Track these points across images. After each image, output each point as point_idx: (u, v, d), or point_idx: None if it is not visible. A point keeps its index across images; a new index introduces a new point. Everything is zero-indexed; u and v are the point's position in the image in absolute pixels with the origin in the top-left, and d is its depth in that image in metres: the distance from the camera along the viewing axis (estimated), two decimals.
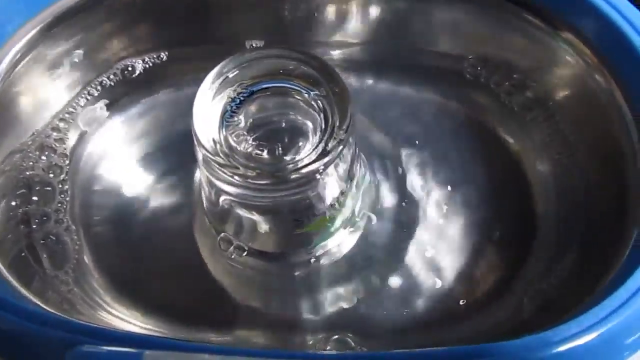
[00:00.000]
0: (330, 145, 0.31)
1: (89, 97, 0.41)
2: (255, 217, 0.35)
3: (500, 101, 0.41)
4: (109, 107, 0.41)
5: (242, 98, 0.33)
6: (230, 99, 0.33)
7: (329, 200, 0.34)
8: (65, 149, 0.40)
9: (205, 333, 0.36)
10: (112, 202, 0.39)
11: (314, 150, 0.32)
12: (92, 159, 0.40)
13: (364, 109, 0.41)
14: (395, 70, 0.43)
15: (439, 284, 0.36)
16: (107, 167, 0.40)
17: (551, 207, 0.38)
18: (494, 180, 0.39)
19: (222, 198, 0.34)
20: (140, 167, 0.40)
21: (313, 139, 0.33)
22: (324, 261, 0.37)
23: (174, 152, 0.40)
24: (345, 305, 0.36)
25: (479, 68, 0.42)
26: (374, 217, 0.38)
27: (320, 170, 0.32)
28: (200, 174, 0.37)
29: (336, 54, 0.43)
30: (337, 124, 0.32)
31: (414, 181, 0.39)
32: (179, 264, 0.38)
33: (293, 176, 0.31)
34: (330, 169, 0.32)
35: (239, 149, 0.32)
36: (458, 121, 0.41)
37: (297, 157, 0.32)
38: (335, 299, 0.36)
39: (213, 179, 0.33)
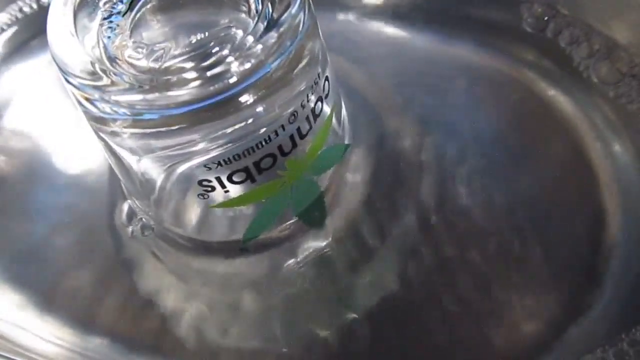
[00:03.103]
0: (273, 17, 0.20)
1: None
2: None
3: (573, 67, 0.28)
4: None
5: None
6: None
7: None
8: None
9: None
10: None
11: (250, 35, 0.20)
12: None
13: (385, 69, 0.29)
14: (431, 20, 0.31)
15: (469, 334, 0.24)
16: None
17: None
18: (552, 174, 0.27)
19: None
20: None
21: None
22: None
23: None
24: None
25: (545, 18, 0.29)
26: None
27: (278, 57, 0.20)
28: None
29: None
30: None
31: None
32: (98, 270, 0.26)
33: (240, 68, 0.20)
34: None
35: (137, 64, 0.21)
36: (510, 90, 0.29)
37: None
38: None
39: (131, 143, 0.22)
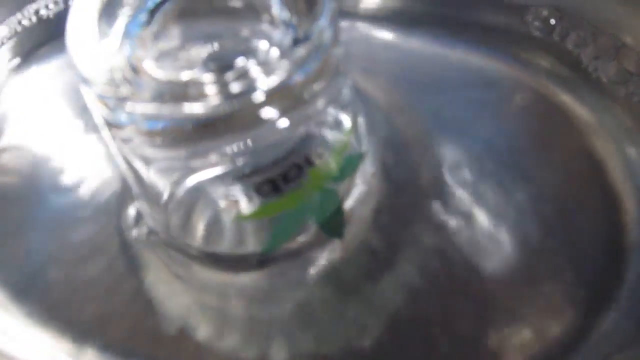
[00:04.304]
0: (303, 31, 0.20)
1: None
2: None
3: (582, 68, 0.28)
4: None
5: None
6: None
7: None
8: None
9: None
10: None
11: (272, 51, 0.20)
12: None
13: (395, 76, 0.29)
14: (439, 26, 0.31)
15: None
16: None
17: None
18: (566, 179, 0.27)
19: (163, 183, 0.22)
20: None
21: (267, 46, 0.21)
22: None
23: None
24: None
25: (551, 21, 0.29)
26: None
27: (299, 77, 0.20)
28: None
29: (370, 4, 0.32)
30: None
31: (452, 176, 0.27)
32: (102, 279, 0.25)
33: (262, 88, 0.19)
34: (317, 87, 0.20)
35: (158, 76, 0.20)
36: (520, 95, 0.29)
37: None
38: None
39: (140, 150, 0.21)
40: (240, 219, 0.23)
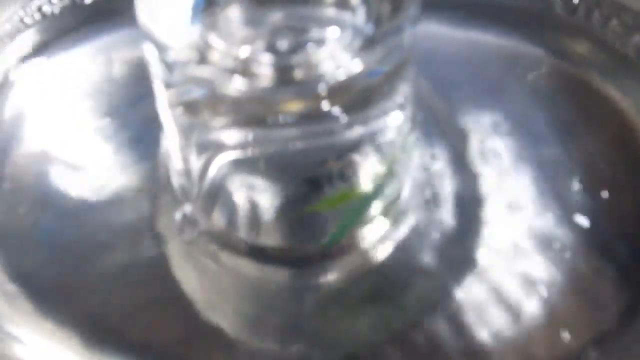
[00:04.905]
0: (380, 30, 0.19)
1: None
2: (250, 181, 0.22)
3: (608, 46, 0.28)
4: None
5: None
6: None
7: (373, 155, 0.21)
8: None
9: None
10: (35, 186, 0.26)
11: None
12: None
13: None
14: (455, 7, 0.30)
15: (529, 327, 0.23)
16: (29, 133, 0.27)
17: None
18: (597, 162, 0.27)
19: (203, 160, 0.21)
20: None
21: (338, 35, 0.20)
22: (337, 275, 0.23)
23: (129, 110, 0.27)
24: None
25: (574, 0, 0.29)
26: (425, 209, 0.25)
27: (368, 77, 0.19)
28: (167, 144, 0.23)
29: None
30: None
31: (481, 159, 0.26)
32: (136, 272, 0.24)
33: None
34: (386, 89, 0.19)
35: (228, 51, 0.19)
36: (544, 79, 0.29)
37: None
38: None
39: (193, 119, 0.20)
40: (307, 210, 0.22)
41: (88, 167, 0.26)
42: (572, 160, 0.26)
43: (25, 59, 0.28)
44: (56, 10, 0.29)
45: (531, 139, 0.27)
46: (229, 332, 0.22)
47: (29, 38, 0.29)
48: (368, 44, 0.19)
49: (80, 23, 0.29)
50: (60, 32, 0.29)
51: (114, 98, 0.27)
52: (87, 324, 0.23)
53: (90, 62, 0.29)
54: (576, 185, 0.25)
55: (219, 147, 0.21)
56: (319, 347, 0.22)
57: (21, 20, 0.28)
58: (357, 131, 0.20)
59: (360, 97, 0.19)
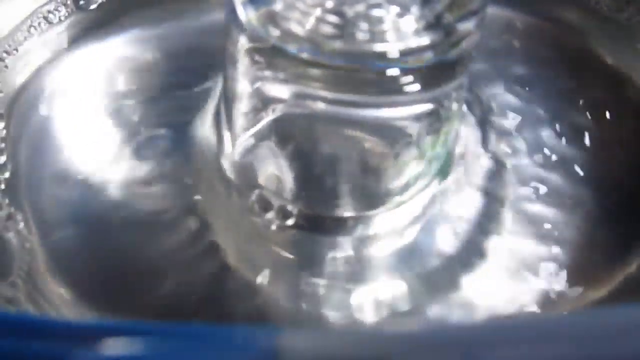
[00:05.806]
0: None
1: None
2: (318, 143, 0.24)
3: (604, 15, 0.30)
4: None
5: None
6: None
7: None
8: None
9: None
10: (74, 176, 0.26)
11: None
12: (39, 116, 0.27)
13: None
14: None
15: None
16: (63, 127, 0.28)
17: None
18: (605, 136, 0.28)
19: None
20: (115, 124, 0.28)
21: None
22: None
23: (163, 100, 0.28)
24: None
25: None
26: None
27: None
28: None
29: None
30: None
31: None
32: (180, 254, 0.25)
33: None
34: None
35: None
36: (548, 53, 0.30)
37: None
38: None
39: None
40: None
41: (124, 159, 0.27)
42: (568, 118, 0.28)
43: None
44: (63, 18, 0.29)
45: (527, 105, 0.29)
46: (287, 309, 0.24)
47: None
48: (435, 25, 0.20)
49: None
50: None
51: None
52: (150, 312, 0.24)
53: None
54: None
55: (281, 101, 0.22)
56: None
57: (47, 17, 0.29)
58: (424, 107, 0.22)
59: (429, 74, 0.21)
